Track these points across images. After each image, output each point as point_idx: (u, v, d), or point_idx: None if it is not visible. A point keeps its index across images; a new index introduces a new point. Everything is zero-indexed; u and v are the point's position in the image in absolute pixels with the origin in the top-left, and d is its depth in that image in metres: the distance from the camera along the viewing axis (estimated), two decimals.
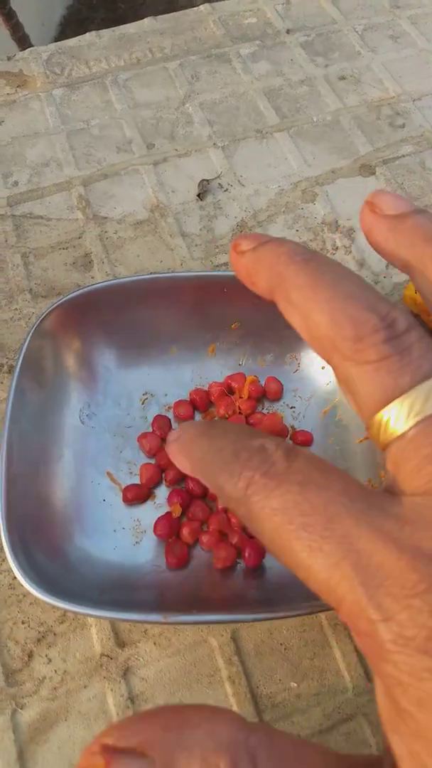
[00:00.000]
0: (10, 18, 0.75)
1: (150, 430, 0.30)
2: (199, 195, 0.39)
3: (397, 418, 0.14)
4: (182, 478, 0.29)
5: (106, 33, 0.48)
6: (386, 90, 0.45)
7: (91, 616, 0.23)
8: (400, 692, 0.12)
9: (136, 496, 0.28)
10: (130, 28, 0.49)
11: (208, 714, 0.14)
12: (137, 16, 0.50)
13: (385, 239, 0.17)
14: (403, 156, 0.41)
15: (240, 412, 0.30)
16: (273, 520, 0.13)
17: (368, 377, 0.14)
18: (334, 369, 0.15)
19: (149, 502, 0.28)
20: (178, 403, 0.30)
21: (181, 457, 0.17)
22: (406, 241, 0.16)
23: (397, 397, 0.14)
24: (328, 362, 0.16)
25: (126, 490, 0.28)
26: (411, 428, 0.14)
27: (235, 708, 0.25)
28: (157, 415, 0.30)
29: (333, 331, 0.15)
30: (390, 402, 0.14)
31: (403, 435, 0.14)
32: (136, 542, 0.27)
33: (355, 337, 0.14)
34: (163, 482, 0.29)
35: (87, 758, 0.13)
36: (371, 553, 0.12)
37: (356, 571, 0.12)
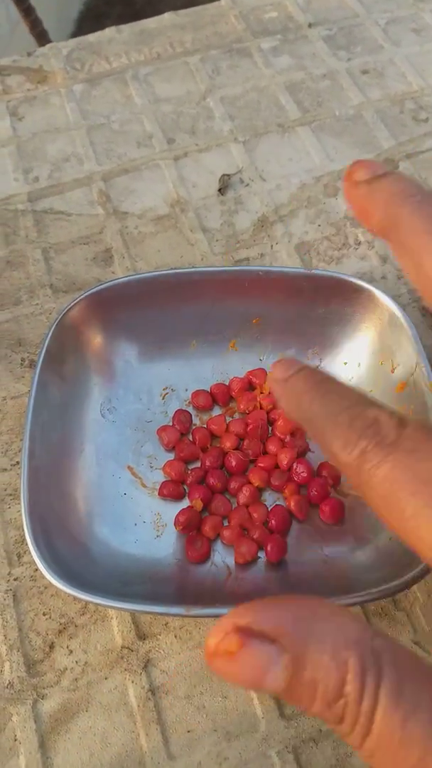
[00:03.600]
0: (29, 14, 0.75)
1: (170, 424, 0.30)
2: (219, 190, 0.39)
3: None
4: (205, 473, 0.29)
5: (126, 28, 0.48)
6: (409, 84, 0.44)
7: (112, 608, 0.24)
8: None
9: (172, 493, 0.28)
10: (150, 22, 0.49)
11: (335, 610, 0.14)
12: (154, 12, 0.50)
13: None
14: (427, 150, 0.41)
15: (261, 407, 0.30)
16: (383, 487, 0.14)
17: None
18: None
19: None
20: (197, 393, 0.30)
21: (290, 404, 0.17)
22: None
23: None
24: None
25: (163, 486, 0.28)
26: None
27: (256, 701, 0.25)
28: (178, 410, 0.30)
29: None
30: None
31: None
32: (157, 536, 0.27)
33: None
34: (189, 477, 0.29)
35: (219, 636, 0.13)
36: None
37: None
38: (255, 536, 0.27)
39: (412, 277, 0.17)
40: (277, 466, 0.29)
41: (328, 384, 0.17)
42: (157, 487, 0.29)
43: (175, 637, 0.26)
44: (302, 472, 0.28)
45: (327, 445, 0.16)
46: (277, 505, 0.28)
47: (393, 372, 0.29)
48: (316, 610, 0.14)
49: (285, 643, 0.13)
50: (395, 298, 0.29)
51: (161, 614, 0.25)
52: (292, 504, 0.27)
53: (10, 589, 0.27)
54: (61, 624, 0.26)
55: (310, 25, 0.48)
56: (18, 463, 0.30)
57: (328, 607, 0.14)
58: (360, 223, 0.18)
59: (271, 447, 0.29)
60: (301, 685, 0.13)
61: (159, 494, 0.28)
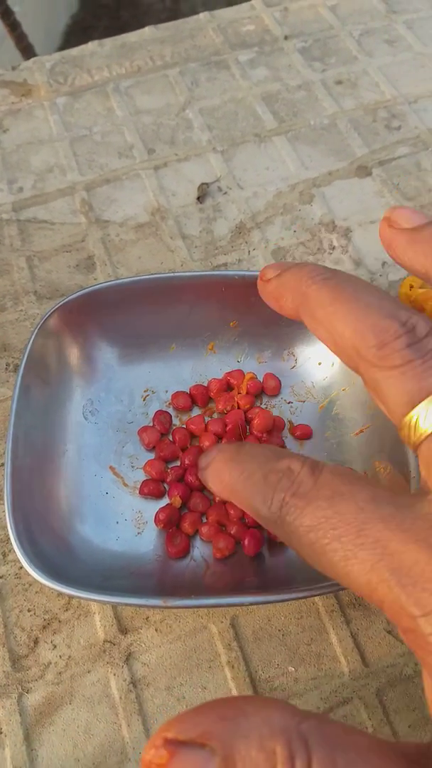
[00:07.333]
0: (14, 28, 0.76)
1: (151, 425, 0.31)
2: (198, 198, 0.40)
3: (425, 418, 0.14)
4: (184, 472, 0.29)
5: (108, 42, 0.50)
6: (382, 93, 0.46)
7: (93, 600, 0.24)
8: None
9: (152, 491, 0.29)
10: (131, 36, 0.50)
11: (260, 704, 0.14)
12: (140, 24, 0.51)
13: (403, 251, 0.18)
14: (399, 157, 0.42)
15: (239, 407, 0.31)
16: (308, 536, 0.14)
17: (394, 382, 0.15)
18: (362, 376, 0.16)
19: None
20: (177, 395, 0.31)
21: (215, 482, 0.18)
22: (422, 251, 0.17)
23: (424, 398, 0.14)
24: (356, 371, 0.16)
25: (143, 485, 0.29)
26: None
27: (234, 692, 0.26)
28: (158, 411, 0.31)
29: (357, 340, 0.16)
30: (417, 404, 0.14)
31: None
32: (138, 533, 0.28)
33: (379, 344, 0.15)
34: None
35: (150, 752, 0.13)
36: (403, 554, 0.13)
37: (392, 573, 0.13)
38: (232, 531, 0.28)
39: (327, 344, 0.17)
40: None
41: (241, 453, 0.17)
42: (138, 486, 0.29)
43: (156, 630, 0.27)
44: None
45: (251, 508, 0.16)
46: None
47: None
48: (243, 707, 0.14)
49: (214, 745, 0.13)
50: None
51: (140, 606, 0.26)
52: None
53: None
54: (45, 620, 0.27)
55: (286, 38, 0.49)
56: (2, 464, 0.31)
57: (255, 702, 0.14)
58: (277, 311, 0.19)
59: None
60: None
61: (140, 493, 0.29)
